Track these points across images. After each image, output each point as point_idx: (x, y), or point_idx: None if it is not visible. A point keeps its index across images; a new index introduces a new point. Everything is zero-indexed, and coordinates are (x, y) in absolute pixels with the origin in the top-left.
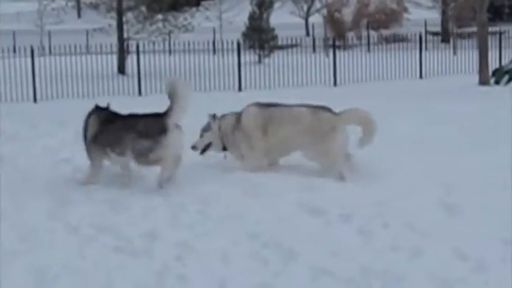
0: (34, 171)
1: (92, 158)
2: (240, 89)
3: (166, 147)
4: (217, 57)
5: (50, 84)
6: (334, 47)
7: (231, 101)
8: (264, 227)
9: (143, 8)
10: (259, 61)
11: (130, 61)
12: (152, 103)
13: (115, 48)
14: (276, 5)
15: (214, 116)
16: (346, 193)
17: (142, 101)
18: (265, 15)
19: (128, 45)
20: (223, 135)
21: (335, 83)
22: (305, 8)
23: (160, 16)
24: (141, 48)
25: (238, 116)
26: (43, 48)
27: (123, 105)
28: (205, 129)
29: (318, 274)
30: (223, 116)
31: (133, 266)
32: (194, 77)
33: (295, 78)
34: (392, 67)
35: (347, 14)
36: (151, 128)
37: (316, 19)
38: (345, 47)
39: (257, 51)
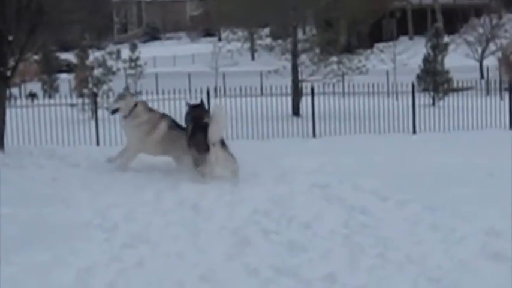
0: (215, 211)
1: None
2: (414, 131)
3: None
4: (391, 100)
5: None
6: (510, 90)
7: (405, 143)
8: (445, 272)
9: (317, 50)
10: (434, 103)
11: (305, 103)
12: (326, 145)
13: (289, 90)
14: (451, 47)
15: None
16: None
17: (316, 143)
18: (439, 58)
19: (302, 87)
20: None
21: (510, 126)
22: (479, 50)
23: (334, 58)
24: (315, 90)
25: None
26: (218, 89)
27: (297, 147)
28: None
29: None
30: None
31: None
32: (368, 119)
33: (470, 121)
34: None
35: None
36: None
37: (490, 62)
38: None
39: (431, 93)
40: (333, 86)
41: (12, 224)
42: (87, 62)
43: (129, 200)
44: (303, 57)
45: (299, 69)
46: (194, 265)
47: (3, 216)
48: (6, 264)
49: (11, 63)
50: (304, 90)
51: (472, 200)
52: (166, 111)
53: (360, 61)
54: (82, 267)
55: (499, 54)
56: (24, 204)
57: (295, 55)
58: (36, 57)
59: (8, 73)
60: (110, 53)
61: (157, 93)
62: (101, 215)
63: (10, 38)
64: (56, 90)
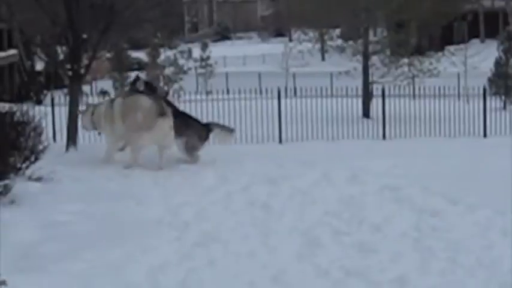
0: (286, 211)
1: None
2: (485, 135)
3: None
4: (462, 103)
5: (296, 126)
6: None
7: (475, 147)
8: None
9: (388, 52)
10: (505, 107)
11: (375, 105)
12: (396, 147)
13: (360, 92)
14: None
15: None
16: None
17: (386, 145)
18: (511, 61)
19: (372, 89)
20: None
21: None
22: None
23: (405, 60)
24: (386, 92)
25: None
26: (289, 89)
27: (367, 149)
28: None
29: None
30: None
31: None
32: (439, 122)
33: None
34: None
35: None
36: None
37: None
38: None
39: (503, 97)
40: (404, 88)
41: (84, 221)
42: (159, 61)
43: (200, 199)
44: (374, 59)
45: (370, 70)
46: (265, 265)
47: (76, 213)
48: (79, 260)
49: (85, 61)
50: (374, 92)
51: None
52: (237, 111)
53: (430, 63)
54: (153, 265)
55: None
56: (97, 201)
57: (366, 56)
58: (108, 55)
59: (82, 71)
60: (182, 52)
61: (228, 92)
62: (172, 214)
63: (84, 36)
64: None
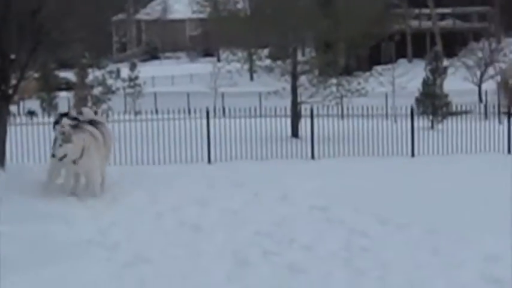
0: (215, 231)
1: None
2: (413, 154)
3: None
4: (390, 122)
5: (225, 146)
6: (509, 113)
7: (403, 166)
8: None
9: (317, 72)
10: (432, 127)
11: (304, 124)
12: (325, 167)
13: (288, 112)
14: (450, 71)
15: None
16: None
17: (315, 165)
18: (438, 81)
19: (301, 109)
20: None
21: (509, 151)
22: (478, 74)
23: (334, 80)
24: (314, 112)
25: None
26: (217, 110)
27: (296, 169)
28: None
29: None
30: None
31: None
32: (367, 141)
33: (468, 145)
34: None
35: None
36: None
37: (489, 85)
38: None
39: (430, 117)
40: (332, 108)
41: (11, 242)
42: (87, 81)
43: (130, 219)
44: (303, 79)
45: (298, 90)
46: (195, 287)
47: (3, 235)
48: (8, 282)
49: (13, 81)
50: (303, 112)
51: (470, 224)
52: (166, 131)
53: (359, 83)
54: (83, 286)
55: (498, 78)
56: (25, 222)
57: (294, 76)
58: (35, 75)
59: (10, 91)
60: (110, 72)
61: (156, 112)
62: (102, 234)
63: (12, 56)
64: (55, 108)
